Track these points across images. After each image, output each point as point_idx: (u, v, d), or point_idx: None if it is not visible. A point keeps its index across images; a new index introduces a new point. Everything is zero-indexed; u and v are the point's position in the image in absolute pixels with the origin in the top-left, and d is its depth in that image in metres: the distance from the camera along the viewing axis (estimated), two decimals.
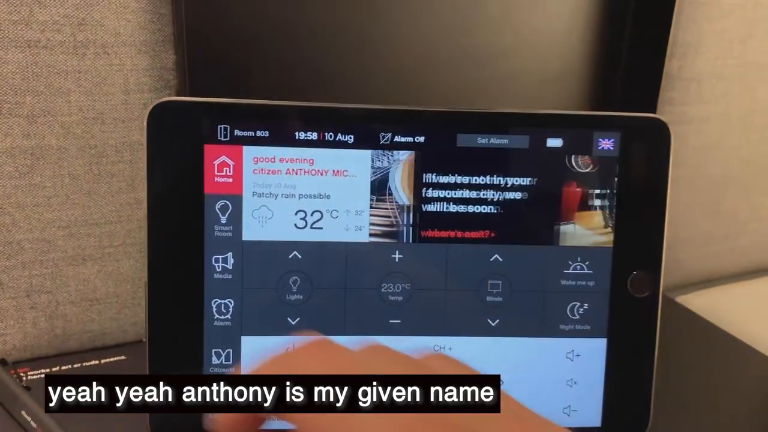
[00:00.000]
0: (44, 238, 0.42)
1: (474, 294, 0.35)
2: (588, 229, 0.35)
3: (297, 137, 0.34)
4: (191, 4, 0.39)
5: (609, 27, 0.55)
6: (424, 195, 0.34)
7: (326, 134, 0.34)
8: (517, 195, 0.35)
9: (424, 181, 0.34)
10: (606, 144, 0.35)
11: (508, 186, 0.35)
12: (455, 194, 0.35)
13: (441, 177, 0.35)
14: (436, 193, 0.35)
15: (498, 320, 0.35)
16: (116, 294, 0.45)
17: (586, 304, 0.36)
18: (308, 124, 0.34)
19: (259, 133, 0.33)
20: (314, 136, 0.34)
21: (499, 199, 0.35)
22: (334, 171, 0.34)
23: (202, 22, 0.40)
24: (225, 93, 0.37)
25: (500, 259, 0.35)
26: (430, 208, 0.35)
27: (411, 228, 0.34)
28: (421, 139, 0.34)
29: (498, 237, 0.35)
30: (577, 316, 0.36)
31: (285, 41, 0.43)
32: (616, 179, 0.35)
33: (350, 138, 0.34)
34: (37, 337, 0.44)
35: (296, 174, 0.34)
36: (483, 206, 0.35)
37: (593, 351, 0.36)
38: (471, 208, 0.35)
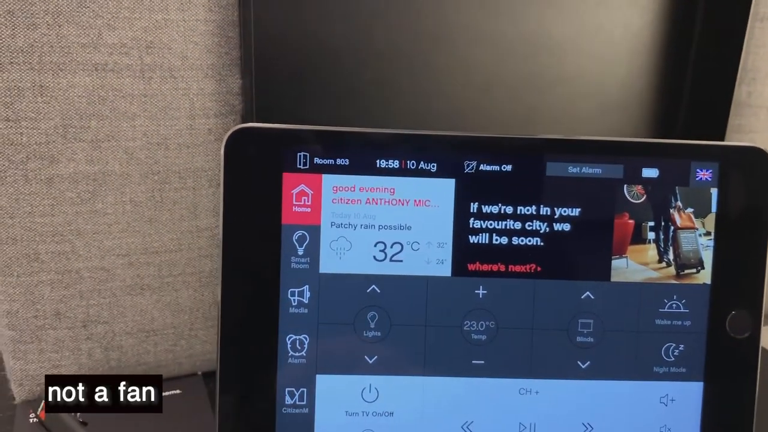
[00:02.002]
0: (103, 266, 0.40)
1: (563, 334, 0.33)
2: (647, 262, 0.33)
3: (378, 165, 0.32)
4: (259, 28, 0.38)
5: (675, 52, 0.53)
6: (510, 227, 0.33)
7: (408, 162, 0.32)
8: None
9: (510, 212, 0.33)
10: (704, 174, 0.33)
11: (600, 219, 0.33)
12: (544, 227, 0.33)
13: (529, 208, 0.33)
14: (522, 226, 0.33)
15: (588, 362, 0.33)
16: (173, 325, 0.43)
17: (682, 346, 0.33)
18: (390, 152, 0.32)
19: (339, 161, 0.32)
20: (395, 164, 0.32)
21: None
22: (415, 201, 0.32)
23: (270, 46, 0.39)
24: (291, 118, 0.36)
25: (592, 297, 0.33)
26: (517, 241, 0.33)
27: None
28: (508, 167, 0.32)
29: (589, 274, 0.33)
30: (672, 358, 0.33)
31: (350, 66, 0.42)
32: (714, 212, 0.33)
33: (433, 167, 0.32)
34: (92, 369, 0.42)
35: (376, 203, 0.32)
36: None
37: (689, 395, 0.33)
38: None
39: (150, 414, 0.40)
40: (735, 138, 0.56)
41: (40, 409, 0.39)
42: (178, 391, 0.44)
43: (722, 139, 0.54)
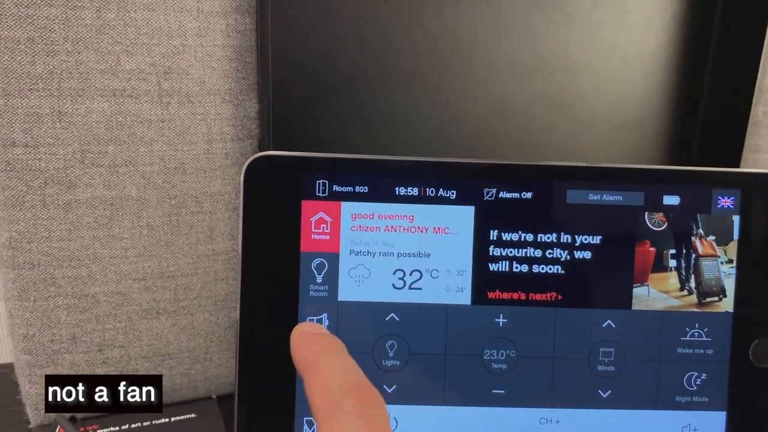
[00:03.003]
0: (119, 291, 0.40)
1: (584, 362, 0.32)
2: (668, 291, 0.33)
3: (397, 192, 0.32)
4: (276, 54, 0.38)
5: (691, 73, 0.53)
6: (530, 255, 0.32)
7: (427, 189, 0.32)
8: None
9: (530, 240, 0.32)
10: (725, 201, 0.33)
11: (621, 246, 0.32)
12: (564, 255, 0.32)
13: (549, 236, 0.32)
14: (542, 253, 0.32)
15: (610, 391, 0.33)
16: (188, 348, 0.43)
17: (704, 375, 0.33)
18: (409, 179, 0.32)
19: (358, 189, 0.32)
20: (415, 191, 0.32)
21: None
22: (435, 228, 0.32)
23: (287, 72, 0.39)
24: (307, 143, 0.36)
25: (613, 325, 0.32)
26: (538, 269, 0.32)
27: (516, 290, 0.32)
28: (528, 195, 0.32)
29: (611, 302, 0.32)
30: (695, 387, 0.33)
31: (365, 91, 0.42)
32: (736, 239, 0.33)
33: (452, 194, 0.32)
34: None
35: (395, 231, 0.32)
36: None
37: (712, 425, 0.33)
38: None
39: None
40: (751, 158, 0.56)
41: None
42: (193, 415, 0.43)
43: (739, 159, 0.54)
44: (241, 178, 0.31)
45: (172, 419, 0.43)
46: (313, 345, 0.25)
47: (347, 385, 0.23)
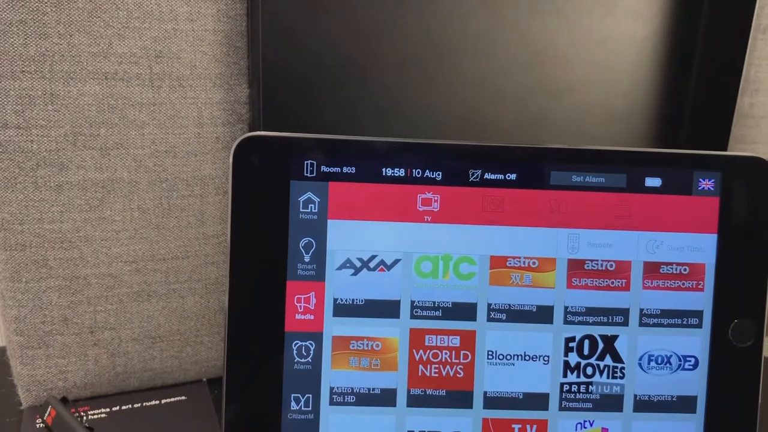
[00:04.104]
0: (110, 273, 0.41)
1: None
2: None
3: (384, 173, 0.32)
4: (267, 38, 0.39)
5: (678, 63, 0.53)
6: None
7: (414, 171, 0.33)
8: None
9: None
10: (706, 184, 0.33)
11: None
12: None
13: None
14: None
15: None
16: (179, 331, 0.44)
17: (684, 353, 0.34)
18: (396, 161, 0.32)
19: (345, 170, 0.32)
20: (401, 172, 0.33)
21: None
22: None
23: (277, 56, 0.40)
24: (298, 127, 0.36)
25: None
26: None
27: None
28: (513, 176, 0.33)
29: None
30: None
31: (356, 75, 0.42)
32: (717, 221, 0.33)
33: (438, 175, 0.33)
34: (98, 375, 0.43)
35: None
36: None
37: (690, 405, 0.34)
38: None
39: (155, 420, 0.41)
40: (738, 148, 0.56)
41: (47, 415, 0.39)
42: (183, 398, 0.44)
43: (725, 150, 0.54)
44: (230, 159, 0.31)
45: (163, 401, 0.43)
46: None
47: None
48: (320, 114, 0.42)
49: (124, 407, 0.43)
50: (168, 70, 0.39)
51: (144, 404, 0.43)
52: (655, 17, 0.51)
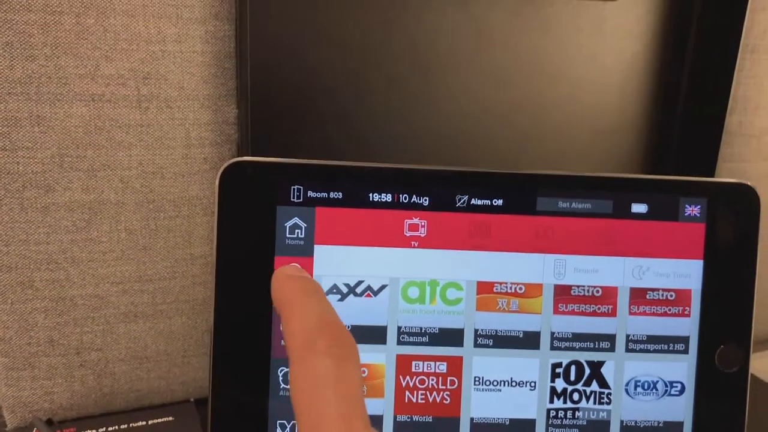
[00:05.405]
0: (97, 294, 0.41)
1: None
2: None
3: (371, 199, 0.32)
4: (255, 60, 0.39)
5: (667, 82, 0.54)
6: None
7: (401, 196, 0.33)
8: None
9: None
10: (692, 210, 0.33)
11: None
12: None
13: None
14: None
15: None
16: (166, 352, 0.43)
17: (670, 378, 0.34)
18: (383, 186, 0.32)
19: (332, 195, 0.32)
20: (388, 197, 0.33)
21: None
22: None
23: (265, 77, 0.40)
24: (285, 149, 0.36)
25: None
26: None
27: None
28: (499, 202, 0.33)
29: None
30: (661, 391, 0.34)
31: (344, 97, 0.42)
32: (703, 247, 0.33)
33: (425, 200, 0.33)
34: (84, 396, 0.42)
35: None
36: None
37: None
38: None
39: None
40: (726, 167, 0.57)
41: None
42: (170, 418, 0.44)
43: (713, 168, 0.55)
44: (216, 184, 0.31)
45: (150, 422, 0.43)
46: (291, 286, 0.25)
47: (320, 323, 0.23)
48: (308, 134, 0.42)
49: (110, 428, 0.42)
50: (156, 91, 0.39)
51: (131, 425, 0.43)
52: (643, 35, 0.52)
